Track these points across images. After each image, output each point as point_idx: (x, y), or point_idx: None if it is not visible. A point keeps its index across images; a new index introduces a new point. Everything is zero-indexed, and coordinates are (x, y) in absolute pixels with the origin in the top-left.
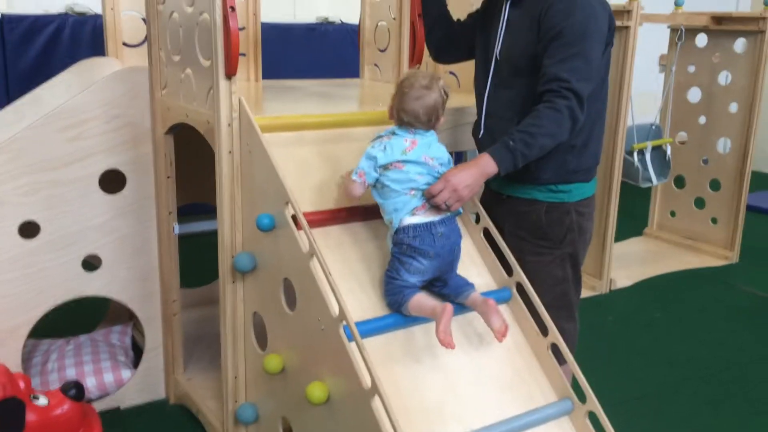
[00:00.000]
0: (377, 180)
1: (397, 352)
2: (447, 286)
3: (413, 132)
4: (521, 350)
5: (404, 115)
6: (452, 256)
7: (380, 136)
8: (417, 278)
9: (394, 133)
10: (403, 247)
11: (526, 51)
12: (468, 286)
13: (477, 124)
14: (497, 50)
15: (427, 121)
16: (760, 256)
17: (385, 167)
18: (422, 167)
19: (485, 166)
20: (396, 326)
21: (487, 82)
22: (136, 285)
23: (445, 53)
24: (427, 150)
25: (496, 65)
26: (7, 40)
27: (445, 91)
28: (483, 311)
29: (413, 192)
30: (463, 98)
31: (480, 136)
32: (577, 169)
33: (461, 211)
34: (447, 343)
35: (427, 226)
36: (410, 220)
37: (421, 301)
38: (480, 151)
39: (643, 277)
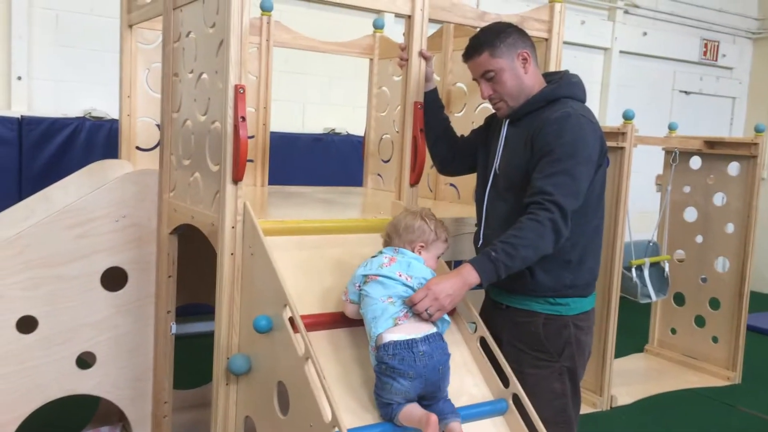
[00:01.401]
0: (360, 294)
1: None
2: (432, 408)
3: (396, 251)
4: None
5: (383, 235)
6: (436, 376)
7: (372, 256)
8: (400, 398)
9: (381, 252)
10: (382, 367)
11: (520, 167)
12: (452, 414)
13: (477, 233)
14: (496, 165)
15: (397, 238)
16: (762, 378)
17: (364, 281)
18: (395, 281)
19: (467, 276)
20: None
21: (485, 194)
22: (128, 384)
23: (448, 166)
24: (406, 269)
25: (494, 179)
26: (25, 140)
27: (432, 225)
28: None
29: (391, 299)
30: (462, 209)
31: (479, 245)
32: (573, 284)
33: (447, 326)
34: None
35: (408, 344)
36: (390, 335)
37: (411, 411)
38: None
39: (645, 395)
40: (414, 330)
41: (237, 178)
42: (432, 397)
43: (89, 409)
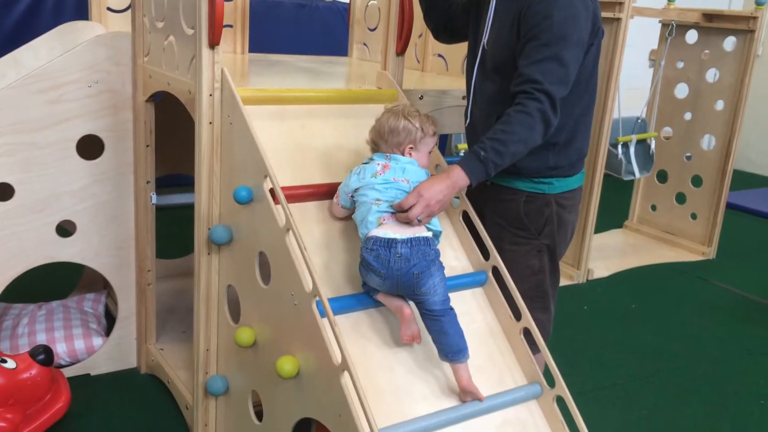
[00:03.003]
0: (352, 202)
1: (369, 331)
2: (441, 333)
3: (388, 158)
4: (494, 334)
5: (369, 141)
6: (411, 281)
7: (364, 162)
8: (375, 286)
9: (371, 159)
10: (362, 257)
11: (507, 47)
12: (460, 354)
13: (466, 110)
14: (484, 40)
15: (384, 143)
16: (736, 254)
17: (356, 190)
18: (390, 185)
19: (457, 179)
20: (368, 305)
21: (474, 71)
22: (110, 253)
23: (443, 33)
24: (400, 174)
25: (483, 55)
26: None
27: (417, 122)
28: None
29: (378, 202)
30: (449, 81)
31: (466, 124)
32: (557, 165)
33: (437, 230)
34: (409, 342)
35: (387, 243)
36: (375, 231)
37: (387, 296)
38: (466, 139)
39: (621, 268)
40: (398, 230)
41: (213, 43)
42: (416, 301)
43: (75, 276)
